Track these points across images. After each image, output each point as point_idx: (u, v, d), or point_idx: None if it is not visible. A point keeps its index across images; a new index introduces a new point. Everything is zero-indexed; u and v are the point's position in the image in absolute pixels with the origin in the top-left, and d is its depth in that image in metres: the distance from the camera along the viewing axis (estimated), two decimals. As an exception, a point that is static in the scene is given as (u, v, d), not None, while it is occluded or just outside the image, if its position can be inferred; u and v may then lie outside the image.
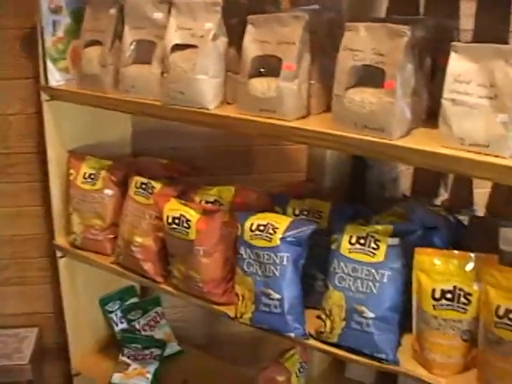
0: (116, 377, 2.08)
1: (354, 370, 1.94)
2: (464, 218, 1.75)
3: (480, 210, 1.84)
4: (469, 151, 1.18)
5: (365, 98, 1.26)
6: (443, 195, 1.93)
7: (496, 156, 1.15)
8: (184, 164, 1.93)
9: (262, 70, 1.40)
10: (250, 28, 1.39)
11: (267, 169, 2.29)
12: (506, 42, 1.55)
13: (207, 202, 1.70)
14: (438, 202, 1.91)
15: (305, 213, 1.62)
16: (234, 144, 2.23)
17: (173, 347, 2.26)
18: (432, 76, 1.41)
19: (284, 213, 1.62)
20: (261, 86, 1.38)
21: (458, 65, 1.19)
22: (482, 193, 1.83)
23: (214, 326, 2.51)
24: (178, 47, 1.48)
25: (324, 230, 1.56)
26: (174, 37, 1.48)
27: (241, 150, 2.28)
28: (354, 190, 1.93)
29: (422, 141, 1.26)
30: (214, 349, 2.41)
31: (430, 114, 1.38)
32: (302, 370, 1.78)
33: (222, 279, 1.63)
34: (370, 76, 1.28)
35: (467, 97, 1.18)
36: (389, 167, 1.97)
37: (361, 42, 1.25)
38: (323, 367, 2.02)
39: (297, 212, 1.62)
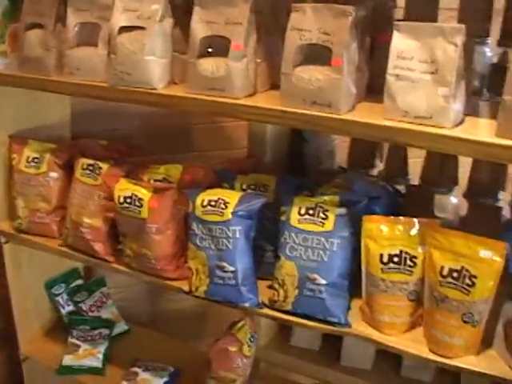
0: (67, 359, 2.10)
1: (300, 338, 2.01)
2: (400, 188, 1.85)
3: (414, 178, 1.93)
4: (413, 123, 1.25)
5: (312, 75, 1.31)
6: (379, 166, 2.01)
7: (438, 127, 1.23)
8: (123, 144, 1.95)
9: (210, 49, 1.43)
10: (197, 9, 1.42)
11: (207, 147, 2.34)
12: (436, 19, 1.64)
13: (155, 181, 1.73)
14: (374, 172, 1.99)
15: (252, 187, 1.68)
16: (173, 123, 2.26)
17: (121, 326, 2.28)
18: (371, 54, 1.48)
19: (231, 188, 1.67)
20: (210, 65, 1.41)
21: (400, 42, 1.26)
22: (415, 162, 1.93)
23: (158, 304, 2.55)
24: (124, 28, 1.50)
25: (271, 202, 1.62)
26: (120, 19, 1.49)
27: (180, 129, 2.31)
28: (293, 163, 1.99)
29: (368, 114, 1.32)
30: (159, 326, 2.45)
31: (370, 90, 1.46)
32: (252, 339, 1.84)
33: (174, 255, 1.67)
34: (315, 54, 1.34)
35: (410, 72, 1.25)
36: (325, 141, 2.04)
37: (307, 22, 1.31)
38: (269, 337, 2.08)
39: (244, 187, 1.68)
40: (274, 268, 1.57)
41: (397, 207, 1.65)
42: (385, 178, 1.88)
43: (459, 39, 1.20)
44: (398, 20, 1.48)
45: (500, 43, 1.64)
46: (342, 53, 1.28)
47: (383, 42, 1.48)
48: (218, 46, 1.43)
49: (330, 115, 1.31)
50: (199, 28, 1.42)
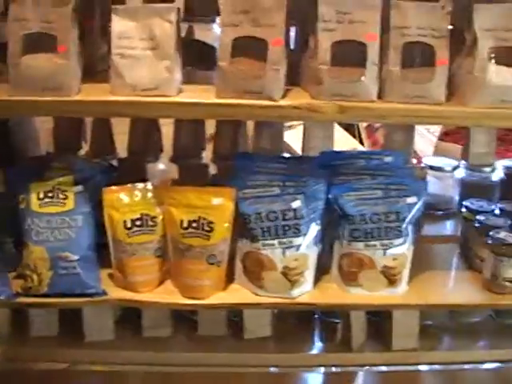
0: None
1: (39, 327, 2.02)
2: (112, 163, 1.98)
3: (123, 153, 2.07)
4: (141, 95, 1.40)
5: (40, 62, 1.38)
6: (84, 147, 2.10)
7: (165, 96, 1.40)
8: None
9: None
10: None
11: None
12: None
13: None
14: (81, 153, 2.08)
15: (-19, 184, 1.67)
16: None
17: None
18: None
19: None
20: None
21: (120, 25, 1.39)
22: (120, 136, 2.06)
23: None
24: None
25: (2, 193, 1.64)
26: None
27: None
28: (2, 154, 1.99)
29: (97, 93, 1.43)
30: None
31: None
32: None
33: None
34: (41, 42, 1.40)
35: (132, 50, 1.39)
36: (31, 128, 2.08)
37: (28, 13, 1.37)
38: (5, 334, 2.05)
39: (-29, 184, 1.66)
40: (19, 257, 1.60)
41: (113, 181, 1.76)
42: (94, 157, 1.99)
43: (173, 17, 1.38)
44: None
45: (184, 19, 1.84)
46: (67, 39, 1.37)
47: (90, 25, 1.60)
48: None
49: (63, 98, 1.39)
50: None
